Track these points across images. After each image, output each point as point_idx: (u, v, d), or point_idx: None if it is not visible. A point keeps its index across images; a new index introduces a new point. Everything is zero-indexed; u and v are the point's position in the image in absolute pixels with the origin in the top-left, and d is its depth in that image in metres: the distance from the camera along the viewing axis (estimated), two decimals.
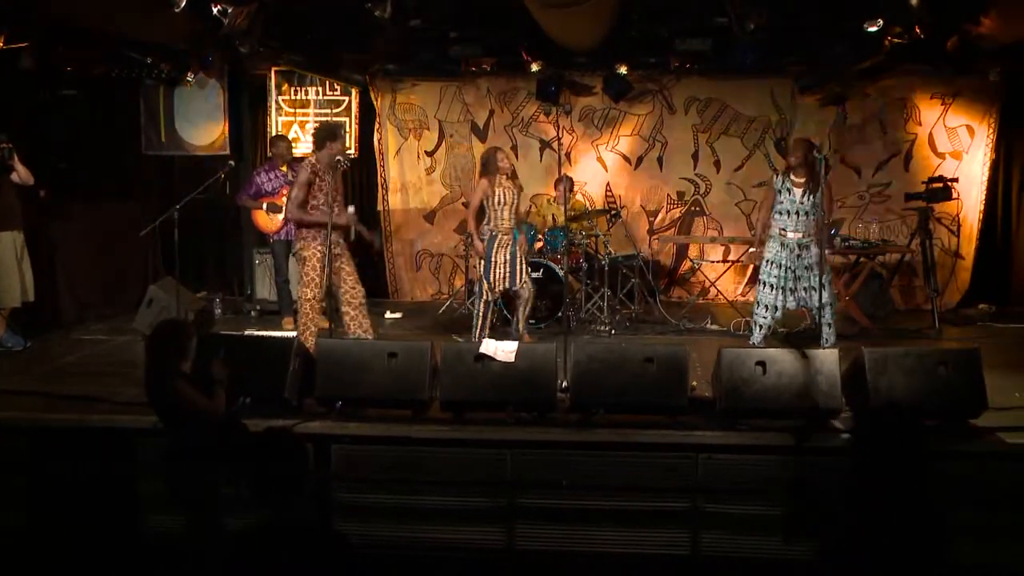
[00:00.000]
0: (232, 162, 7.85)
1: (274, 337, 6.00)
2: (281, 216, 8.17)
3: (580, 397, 5.24)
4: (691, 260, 10.13)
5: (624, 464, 5.03)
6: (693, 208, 10.19)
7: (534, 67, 9.18)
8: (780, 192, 6.95)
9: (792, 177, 6.91)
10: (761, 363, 5.15)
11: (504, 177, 7.28)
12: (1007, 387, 5.94)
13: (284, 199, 8.00)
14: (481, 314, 7.34)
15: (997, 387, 5.35)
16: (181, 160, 10.19)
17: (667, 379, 5.18)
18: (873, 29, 7.21)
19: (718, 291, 9.62)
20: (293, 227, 8.15)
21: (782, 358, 5.17)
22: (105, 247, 9.13)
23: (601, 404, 5.20)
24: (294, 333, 6.15)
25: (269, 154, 8.56)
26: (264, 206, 8.21)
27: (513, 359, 5.27)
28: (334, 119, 10.01)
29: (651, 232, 10.17)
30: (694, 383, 5.57)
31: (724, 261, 9.88)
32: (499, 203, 7.21)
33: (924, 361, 5.12)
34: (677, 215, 10.22)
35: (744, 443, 5.00)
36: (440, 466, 5.12)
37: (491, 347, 5.31)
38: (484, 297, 7.33)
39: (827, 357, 5.16)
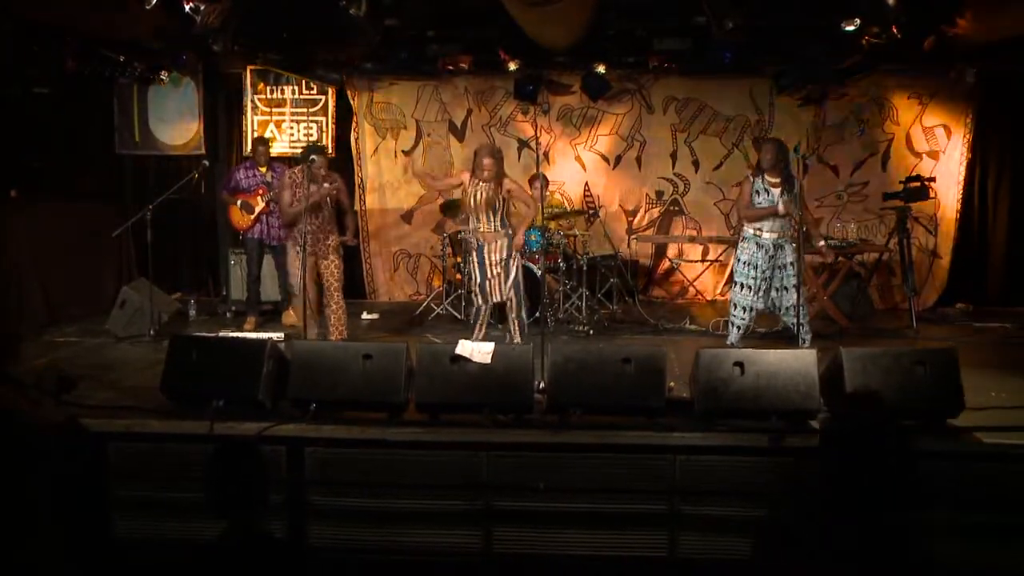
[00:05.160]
0: (206, 162, 7.78)
1: (248, 339, 5.92)
2: (253, 215, 8.09)
3: (557, 398, 5.17)
4: (670, 260, 10.11)
5: (601, 466, 4.97)
6: (672, 208, 10.18)
7: (512, 66, 9.15)
8: (757, 193, 6.92)
9: (768, 178, 6.89)
10: (739, 364, 5.10)
11: (485, 182, 6.81)
12: (984, 386, 5.93)
13: (258, 199, 7.95)
14: (473, 320, 7.13)
15: (975, 386, 5.34)
16: (157, 160, 10.09)
17: (645, 380, 5.12)
18: (850, 28, 7.20)
19: (697, 291, 9.60)
20: (266, 227, 8.13)
21: (760, 359, 5.13)
22: (78, 248, 8.99)
23: (578, 405, 5.12)
24: (258, 335, 6.16)
25: (248, 154, 8.48)
26: (239, 203, 8.13)
27: (489, 360, 5.20)
28: (311, 119, 9.93)
29: (630, 232, 10.14)
30: (672, 384, 5.52)
31: (703, 261, 9.87)
32: (471, 203, 6.87)
33: (901, 361, 5.09)
34: (656, 215, 10.21)
35: (722, 444, 4.95)
36: (416, 469, 5.05)
37: (467, 348, 5.25)
38: (475, 303, 7.13)
39: (805, 357, 5.13)
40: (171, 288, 9.50)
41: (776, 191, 6.84)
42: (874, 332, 8.23)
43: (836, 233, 9.00)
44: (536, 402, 5.30)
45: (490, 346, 5.26)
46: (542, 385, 5.40)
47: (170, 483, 5.03)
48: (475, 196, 6.83)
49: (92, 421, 5.19)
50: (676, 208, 10.17)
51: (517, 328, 6.96)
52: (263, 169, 8.21)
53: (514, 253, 6.93)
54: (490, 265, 6.91)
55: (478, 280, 6.97)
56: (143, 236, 9.70)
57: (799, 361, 5.11)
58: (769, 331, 7.89)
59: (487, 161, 6.77)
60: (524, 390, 5.20)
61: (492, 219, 6.88)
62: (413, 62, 9.10)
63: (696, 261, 9.81)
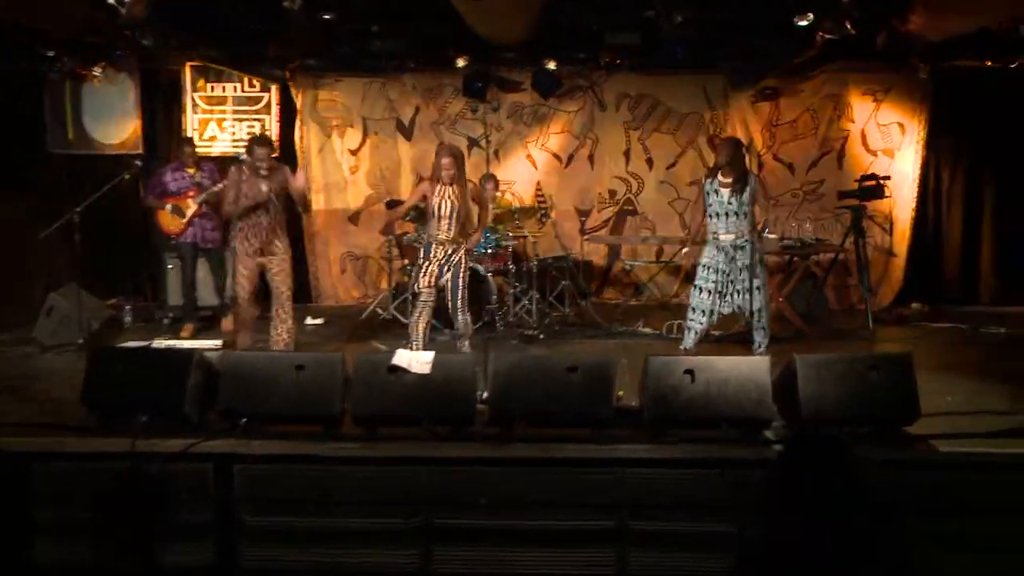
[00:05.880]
0: (139, 162, 7.43)
1: (173, 350, 5.63)
2: (185, 219, 7.76)
3: (500, 410, 4.95)
4: (622, 262, 9.91)
5: (546, 480, 4.74)
6: (625, 207, 9.98)
7: (460, 62, 8.91)
8: (709, 194, 6.73)
9: (720, 178, 6.68)
10: (689, 371, 4.90)
11: (448, 186, 6.43)
12: (940, 390, 5.82)
13: (190, 201, 7.62)
14: (412, 321, 6.75)
15: (930, 390, 5.20)
16: (93, 159, 9.67)
17: (592, 390, 4.92)
18: (803, 23, 7.05)
19: (651, 293, 9.41)
20: (200, 230, 7.80)
21: (711, 366, 4.93)
22: (7, 251, 8.59)
23: (522, 417, 4.91)
24: (194, 343, 5.86)
25: (176, 154, 8.13)
26: (168, 207, 7.76)
27: (429, 370, 4.97)
28: (253, 117, 9.62)
29: (583, 232, 9.92)
30: (620, 392, 5.29)
31: (657, 261, 9.67)
32: (437, 213, 6.46)
33: (855, 367, 4.91)
34: (609, 215, 10.01)
35: (671, 456, 4.75)
36: (351, 485, 4.80)
37: (405, 358, 5.01)
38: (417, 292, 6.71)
39: (757, 364, 4.94)
40: (108, 293, 9.16)
41: (726, 192, 6.65)
42: (830, 333, 8.11)
43: (792, 232, 8.83)
44: (479, 413, 5.08)
45: (429, 355, 5.03)
46: (486, 395, 5.17)
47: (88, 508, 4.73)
48: (440, 204, 6.45)
49: (10, 440, 4.91)
50: (630, 208, 9.98)
51: (462, 320, 6.66)
52: (191, 170, 7.84)
53: (464, 263, 6.60)
54: (437, 263, 6.53)
55: (433, 271, 6.56)
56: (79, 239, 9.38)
57: (751, 368, 4.91)
58: (725, 334, 7.72)
59: (446, 161, 6.42)
60: (465, 401, 4.97)
61: (453, 227, 6.50)
62: (358, 58, 8.82)
63: (651, 262, 9.60)
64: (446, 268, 6.53)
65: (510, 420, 4.93)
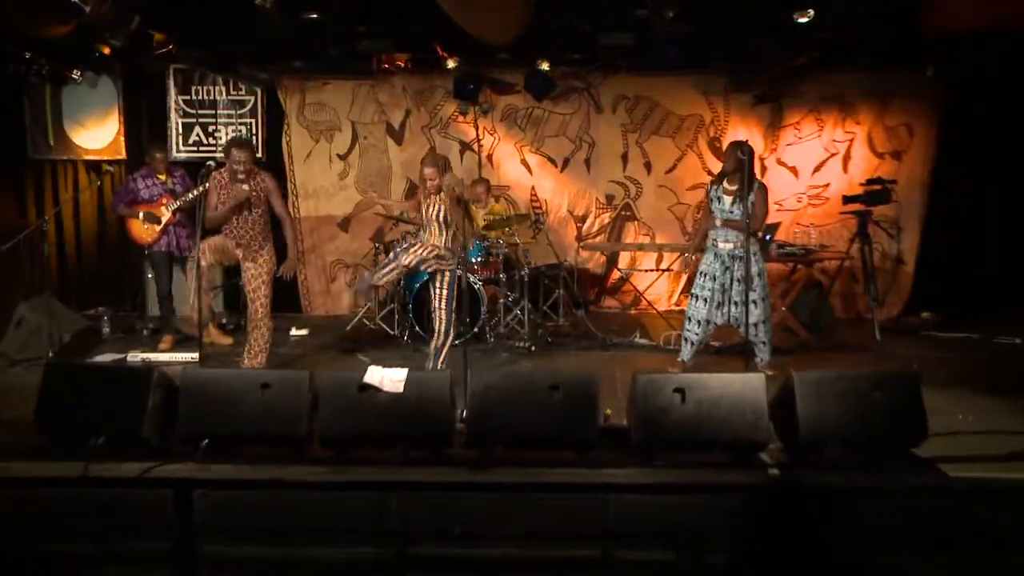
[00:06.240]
0: (111, 168, 7.12)
1: (131, 367, 5.31)
2: (160, 227, 7.46)
3: (478, 431, 4.65)
4: (619, 270, 9.57)
5: (526, 507, 4.42)
6: (624, 213, 9.65)
7: (450, 64, 8.57)
8: (712, 201, 6.42)
9: (725, 184, 6.37)
10: (680, 390, 4.59)
11: (435, 195, 6.35)
12: (951, 407, 5.53)
13: (163, 208, 7.32)
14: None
15: (940, 407, 4.96)
16: (75, 165, 9.40)
17: (575, 409, 4.62)
18: (803, 21, 6.72)
19: (648, 302, 9.08)
20: (175, 238, 7.52)
21: (703, 384, 4.61)
22: None
23: (501, 439, 4.62)
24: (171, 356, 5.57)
25: (146, 160, 7.80)
26: (140, 215, 7.45)
27: (402, 389, 4.68)
28: (239, 121, 9.34)
29: (579, 239, 9.60)
30: (608, 411, 5.00)
31: (657, 270, 9.33)
32: (423, 215, 6.41)
33: (858, 385, 4.58)
34: (607, 220, 9.68)
35: (660, 481, 4.44)
36: (318, 512, 4.50)
37: (377, 375, 4.71)
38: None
39: (752, 383, 4.61)
40: (91, 304, 8.87)
41: (728, 199, 6.33)
42: (835, 344, 7.80)
43: (795, 239, 8.49)
44: (458, 432, 4.78)
45: (402, 373, 4.73)
46: (466, 414, 4.86)
47: (40, 535, 4.45)
48: (427, 209, 6.38)
49: None
50: (628, 213, 9.64)
51: (436, 356, 6.47)
52: (163, 176, 7.52)
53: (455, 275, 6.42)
54: (417, 258, 6.35)
55: (393, 270, 6.42)
56: (60, 251, 9.12)
57: (746, 387, 4.59)
58: (725, 345, 7.40)
59: (428, 171, 6.36)
60: (441, 422, 4.68)
61: (443, 233, 6.37)
62: (345, 60, 8.49)
63: (649, 270, 9.26)
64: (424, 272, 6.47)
65: (488, 442, 4.64)
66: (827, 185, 9.42)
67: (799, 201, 9.47)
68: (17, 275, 8.65)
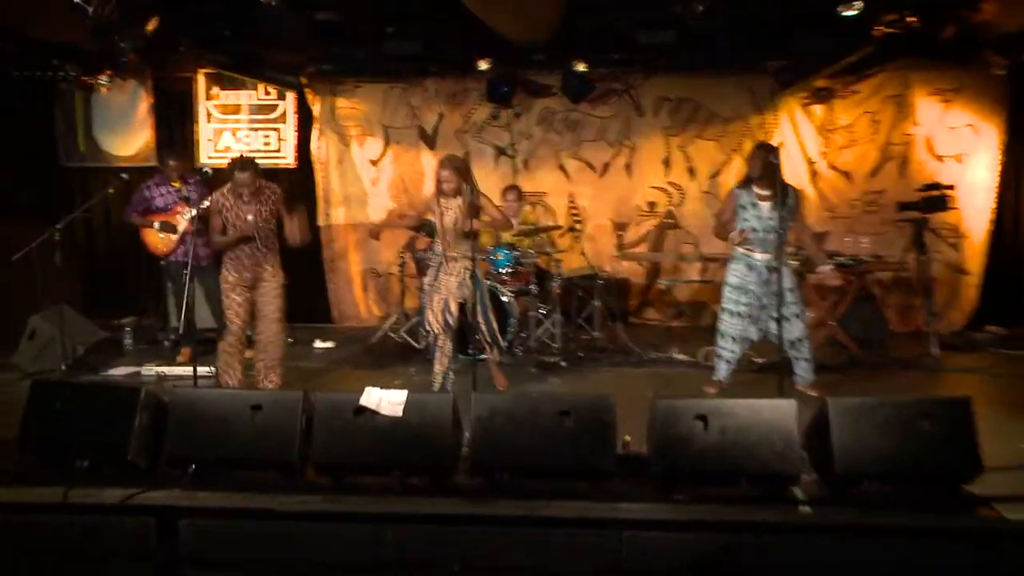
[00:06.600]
0: (125, 175, 6.89)
1: (118, 385, 5.05)
2: (176, 236, 7.22)
3: (481, 459, 4.30)
4: (659, 281, 9.12)
5: (531, 543, 4.06)
6: (666, 220, 9.19)
7: (482, 65, 8.21)
8: (745, 208, 5.94)
9: (756, 190, 5.89)
10: (702, 417, 4.18)
11: (452, 198, 6.04)
12: (1012, 432, 5.00)
13: (179, 217, 7.08)
14: (432, 353, 6.36)
15: (1000, 432, 4.54)
16: (105, 172, 9.25)
17: (587, 437, 4.24)
18: (849, 14, 6.24)
19: (691, 315, 8.63)
20: (191, 247, 7.28)
21: (728, 410, 4.20)
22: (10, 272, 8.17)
23: (506, 467, 4.26)
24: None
25: (159, 168, 7.56)
26: (156, 224, 7.22)
27: (401, 412, 4.35)
28: (269, 126, 9.12)
29: (620, 247, 9.18)
30: (627, 437, 4.60)
31: (702, 281, 8.87)
32: (438, 225, 6.09)
33: (902, 413, 4.13)
34: (648, 228, 9.23)
35: (678, 518, 4.03)
36: (310, 544, 4.20)
37: (374, 398, 4.39)
38: (429, 332, 6.37)
39: (782, 409, 4.18)
40: (119, 314, 8.70)
41: (766, 206, 5.86)
42: (888, 361, 7.27)
43: (846, 248, 7.97)
44: (463, 458, 4.43)
45: (402, 395, 4.40)
46: (469, 439, 4.51)
47: (16, 564, 4.21)
48: (442, 217, 6.07)
49: None
50: (670, 221, 9.18)
51: (492, 347, 6.34)
52: (176, 184, 7.24)
53: (480, 283, 6.20)
54: (448, 291, 6.10)
55: (433, 305, 6.18)
56: (89, 259, 8.98)
57: (775, 413, 4.17)
58: (769, 363, 6.92)
59: (444, 173, 6.02)
60: (443, 448, 4.35)
61: (459, 243, 6.08)
62: (374, 62, 8.20)
63: (693, 281, 8.80)
64: (459, 295, 6.12)
65: (492, 471, 4.28)
66: (883, 191, 8.86)
67: (853, 208, 8.93)
68: (44, 285, 8.54)
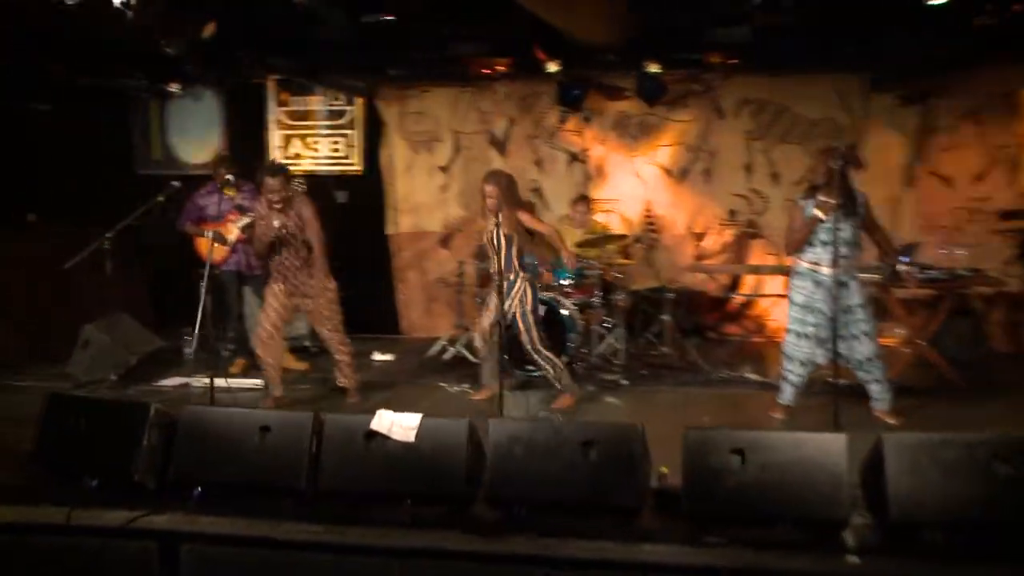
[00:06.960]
0: (176, 183, 6.78)
1: (127, 403, 4.88)
2: (229, 246, 7.10)
3: (498, 491, 3.98)
4: (739, 295, 8.59)
5: None
6: (747, 229, 8.65)
7: (551, 67, 7.83)
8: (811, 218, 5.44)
9: (822, 199, 5.35)
10: (739, 451, 3.75)
11: (493, 215, 5.83)
12: None
13: (230, 226, 6.95)
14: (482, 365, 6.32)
15: None
16: (178, 179, 9.24)
17: (612, 469, 3.87)
18: (935, 3, 5.66)
19: (772, 330, 8.08)
20: (243, 256, 7.17)
21: (767, 444, 3.76)
22: (83, 279, 8.20)
23: (525, 501, 3.92)
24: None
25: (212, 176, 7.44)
26: (209, 233, 7.09)
27: (413, 438, 4.05)
28: (338, 132, 8.98)
29: (698, 258, 8.69)
30: (664, 469, 4.18)
31: (783, 296, 8.28)
32: (487, 244, 5.99)
33: (974, 453, 3.60)
34: (728, 238, 8.70)
35: (708, 563, 3.62)
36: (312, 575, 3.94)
37: (386, 421, 4.10)
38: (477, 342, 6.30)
39: (830, 445, 3.71)
40: (180, 323, 8.67)
41: (833, 216, 5.33)
42: (987, 385, 6.58)
43: (940, 260, 7.30)
44: (483, 487, 4.11)
45: (415, 419, 4.11)
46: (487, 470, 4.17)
47: None
48: (486, 232, 5.96)
49: None
50: (752, 230, 8.64)
51: (543, 360, 6.06)
52: (230, 192, 7.09)
53: (528, 296, 5.99)
54: (494, 309, 5.96)
55: (481, 322, 6.17)
56: (155, 267, 8.98)
57: (821, 449, 3.71)
58: (848, 384, 6.34)
59: (487, 188, 5.88)
60: (456, 478, 4.03)
61: (501, 257, 5.85)
62: (440, 65, 7.95)
63: (772, 295, 8.25)
64: (509, 310, 5.97)
65: (509, 505, 3.95)
66: (988, 198, 8.14)
67: (954, 216, 8.23)
68: (113, 292, 8.57)
